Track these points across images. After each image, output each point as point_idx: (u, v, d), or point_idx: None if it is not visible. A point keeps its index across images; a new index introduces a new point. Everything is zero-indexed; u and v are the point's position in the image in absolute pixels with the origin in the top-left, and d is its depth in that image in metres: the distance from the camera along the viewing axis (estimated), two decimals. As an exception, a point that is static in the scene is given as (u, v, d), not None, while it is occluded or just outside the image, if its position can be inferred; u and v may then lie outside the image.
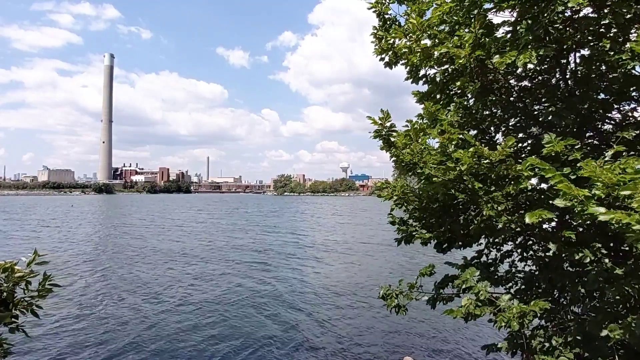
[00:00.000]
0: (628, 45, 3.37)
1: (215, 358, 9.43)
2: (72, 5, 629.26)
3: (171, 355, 9.53)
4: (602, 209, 2.45)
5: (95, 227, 41.61)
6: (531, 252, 4.43)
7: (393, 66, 4.69)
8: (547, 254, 3.80)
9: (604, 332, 2.91)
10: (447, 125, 3.64)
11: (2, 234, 33.85)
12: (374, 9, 4.70)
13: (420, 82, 4.74)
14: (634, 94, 3.78)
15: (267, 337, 10.66)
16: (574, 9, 3.47)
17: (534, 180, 3.34)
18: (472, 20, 3.83)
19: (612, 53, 3.45)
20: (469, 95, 4.41)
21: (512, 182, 3.30)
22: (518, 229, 3.57)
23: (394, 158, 4.01)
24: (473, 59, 3.65)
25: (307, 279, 17.82)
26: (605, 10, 3.48)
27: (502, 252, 4.74)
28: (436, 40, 4.08)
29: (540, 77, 4.37)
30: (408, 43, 4.26)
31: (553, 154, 3.07)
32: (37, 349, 9.70)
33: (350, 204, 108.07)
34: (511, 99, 4.27)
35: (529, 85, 4.40)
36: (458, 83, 4.21)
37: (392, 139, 4.00)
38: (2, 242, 28.56)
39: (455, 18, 4.20)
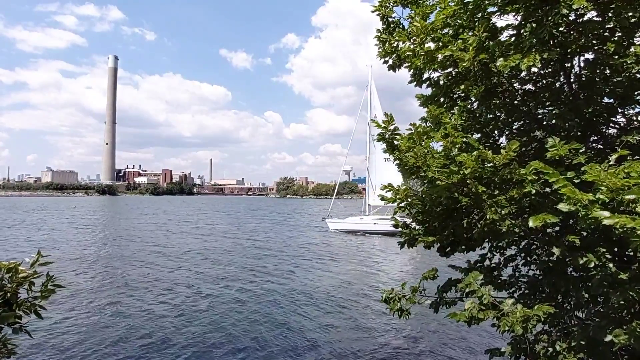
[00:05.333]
0: (632, 49, 3.36)
1: (221, 358, 9.45)
2: (76, 7, 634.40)
3: (177, 355, 9.53)
4: (607, 213, 2.44)
5: (104, 228, 41.77)
6: (535, 257, 4.41)
7: (397, 69, 4.69)
8: (551, 258, 3.78)
9: (608, 337, 2.89)
10: (451, 129, 3.64)
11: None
12: (377, 12, 4.71)
13: (424, 85, 4.74)
14: (638, 97, 3.77)
15: (267, 338, 10.64)
16: (578, 12, 3.47)
17: None
18: (476, 24, 3.83)
19: (616, 57, 3.44)
20: (473, 99, 4.41)
21: (516, 186, 3.29)
22: (522, 233, 3.57)
23: (397, 161, 4.01)
24: (477, 63, 3.65)
25: (312, 281, 17.80)
26: (610, 14, 3.48)
27: (505, 256, 4.72)
28: (440, 43, 4.08)
29: (544, 81, 4.36)
30: (412, 46, 4.27)
31: (557, 158, 3.06)
32: (41, 349, 9.71)
33: (355, 207, 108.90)
34: (515, 102, 4.27)
35: (533, 88, 4.40)
36: (462, 86, 4.21)
37: (396, 142, 4.00)
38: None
39: (459, 21, 4.20)
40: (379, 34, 4.68)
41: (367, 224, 38.40)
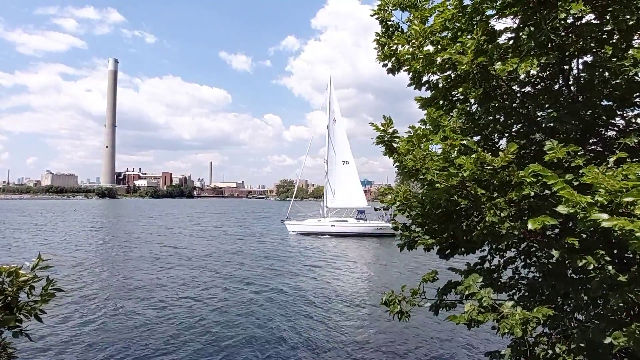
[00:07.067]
0: (631, 51, 3.38)
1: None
2: (76, 10, 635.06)
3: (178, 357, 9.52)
4: (605, 216, 2.45)
5: (105, 231, 41.76)
6: (534, 259, 4.42)
7: (396, 72, 4.71)
8: (550, 260, 3.79)
9: (608, 340, 2.89)
10: (450, 132, 3.65)
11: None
12: (376, 16, 4.73)
13: (423, 88, 4.75)
14: (636, 100, 3.78)
15: (266, 340, 10.62)
16: (576, 15, 3.49)
17: None
18: (475, 27, 3.85)
19: (614, 59, 3.45)
20: (472, 101, 4.42)
21: (515, 189, 3.30)
22: (521, 236, 3.57)
23: (397, 164, 4.02)
24: (475, 65, 3.66)
25: (311, 286, 17.80)
26: (608, 17, 3.50)
27: (505, 258, 4.73)
28: (439, 46, 4.09)
29: (543, 84, 4.37)
30: (411, 49, 4.28)
31: (555, 161, 3.07)
32: (41, 353, 9.70)
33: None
34: (514, 105, 4.28)
35: (532, 91, 4.41)
36: (461, 89, 4.23)
37: (395, 145, 4.00)
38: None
39: (457, 25, 4.23)
40: (378, 38, 4.70)
41: (325, 226, 39.37)
